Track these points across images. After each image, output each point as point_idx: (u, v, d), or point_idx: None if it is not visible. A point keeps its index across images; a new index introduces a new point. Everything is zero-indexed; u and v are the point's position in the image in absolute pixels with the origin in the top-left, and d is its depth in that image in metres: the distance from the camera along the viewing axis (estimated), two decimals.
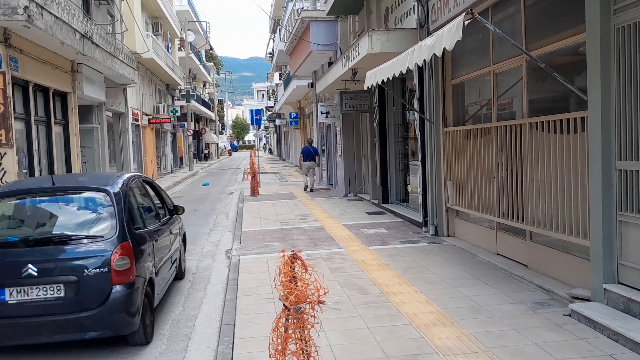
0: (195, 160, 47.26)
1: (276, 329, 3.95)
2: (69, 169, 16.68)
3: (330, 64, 17.56)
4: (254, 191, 19.86)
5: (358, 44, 11.42)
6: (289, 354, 3.94)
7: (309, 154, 20.16)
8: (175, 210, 7.93)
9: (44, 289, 5.23)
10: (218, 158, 67.90)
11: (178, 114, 37.53)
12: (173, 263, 7.57)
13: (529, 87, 7.31)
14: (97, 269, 5.28)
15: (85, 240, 5.52)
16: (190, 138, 41.85)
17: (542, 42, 6.94)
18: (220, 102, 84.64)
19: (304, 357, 3.95)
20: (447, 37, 5.88)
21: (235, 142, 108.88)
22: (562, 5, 6.73)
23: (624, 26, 5.33)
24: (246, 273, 8.15)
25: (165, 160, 35.88)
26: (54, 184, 6.08)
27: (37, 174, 14.06)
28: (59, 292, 5.24)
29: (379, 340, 5.30)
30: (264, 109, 59.65)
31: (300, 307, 3.84)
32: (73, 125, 16.93)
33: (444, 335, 5.32)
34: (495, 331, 5.39)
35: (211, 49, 64.36)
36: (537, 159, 7.01)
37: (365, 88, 9.75)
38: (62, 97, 16.59)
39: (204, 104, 53.84)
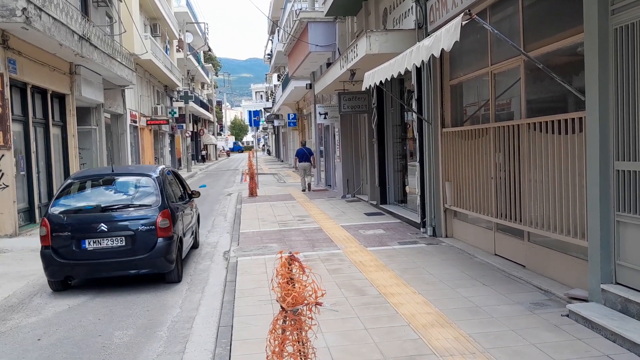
0: (193, 161, 47.23)
1: (273, 331, 3.94)
2: (66, 170, 16.67)
3: (329, 65, 17.56)
4: (252, 192, 19.85)
5: (356, 45, 11.42)
6: (287, 356, 3.92)
7: (303, 155, 20.59)
8: (193, 195, 10.20)
9: (111, 240, 7.59)
10: (216, 159, 67.79)
11: (176, 115, 37.52)
12: (192, 234, 9.91)
13: (527, 87, 7.31)
14: (147, 227, 7.66)
15: (138, 208, 7.91)
16: (189, 139, 41.83)
17: (540, 42, 6.94)
18: (219, 103, 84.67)
19: (301, 358, 3.94)
20: (445, 37, 5.88)
21: (240, 143, 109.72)
22: (560, 5, 6.73)
23: (622, 26, 5.33)
24: (244, 274, 8.13)
25: (164, 161, 35.88)
26: (113, 171, 8.92)
27: (34, 175, 14.06)
28: (121, 242, 7.61)
29: (377, 341, 5.29)
30: (263, 110, 59.69)
31: (298, 309, 3.82)
32: (71, 126, 16.92)
33: (442, 336, 5.31)
34: (493, 332, 5.38)
35: (209, 50, 64.34)
36: (535, 160, 7.01)
37: (363, 89, 9.74)
38: (60, 98, 16.58)
39: (202, 105, 53.81)
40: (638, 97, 5.20)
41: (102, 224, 7.57)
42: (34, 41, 13.30)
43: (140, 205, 7.93)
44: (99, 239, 7.55)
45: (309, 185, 20.72)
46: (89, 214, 7.82)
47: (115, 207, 7.93)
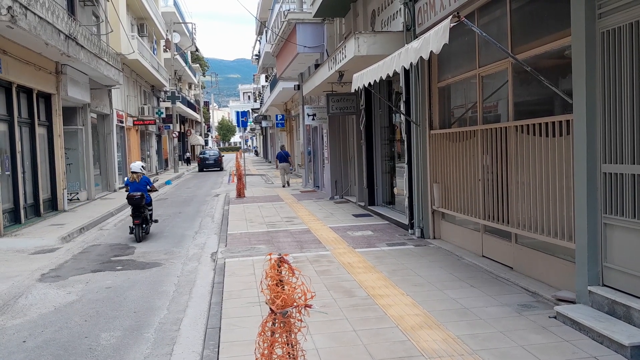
0: (180, 162, 47.18)
1: (262, 333, 3.92)
2: (52, 170, 16.52)
3: (317, 66, 17.55)
4: (240, 193, 19.79)
5: (345, 47, 11.42)
6: (276, 358, 3.91)
7: (282, 157, 24.79)
8: (222, 156, 46.54)
9: (211, 161, 43.22)
10: None
11: (163, 115, 37.31)
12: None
13: (515, 90, 7.35)
14: (217, 158, 43.50)
15: (216, 154, 44.38)
16: (176, 140, 41.60)
17: (528, 45, 6.98)
18: (206, 103, 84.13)
19: None
20: (433, 40, 5.89)
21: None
22: (547, 9, 6.77)
23: (609, 30, 5.38)
24: (232, 276, 8.10)
25: (150, 162, 35.66)
26: (210, 149, 51.85)
27: (20, 175, 13.92)
28: (213, 162, 43.26)
29: (366, 343, 5.29)
30: (250, 110, 59.52)
31: (287, 311, 3.81)
32: (57, 126, 16.76)
33: (430, 338, 5.32)
34: (481, 333, 5.40)
35: (197, 50, 64.03)
36: (522, 162, 7.05)
37: (352, 90, 9.76)
38: (46, 98, 16.42)
39: (190, 105, 53.56)
40: (625, 100, 5.24)
41: (209, 157, 42.86)
42: (20, 40, 13.16)
43: (215, 154, 43.60)
44: (209, 161, 42.58)
45: (288, 182, 24.62)
46: (207, 156, 43.32)
47: (210, 154, 43.54)
